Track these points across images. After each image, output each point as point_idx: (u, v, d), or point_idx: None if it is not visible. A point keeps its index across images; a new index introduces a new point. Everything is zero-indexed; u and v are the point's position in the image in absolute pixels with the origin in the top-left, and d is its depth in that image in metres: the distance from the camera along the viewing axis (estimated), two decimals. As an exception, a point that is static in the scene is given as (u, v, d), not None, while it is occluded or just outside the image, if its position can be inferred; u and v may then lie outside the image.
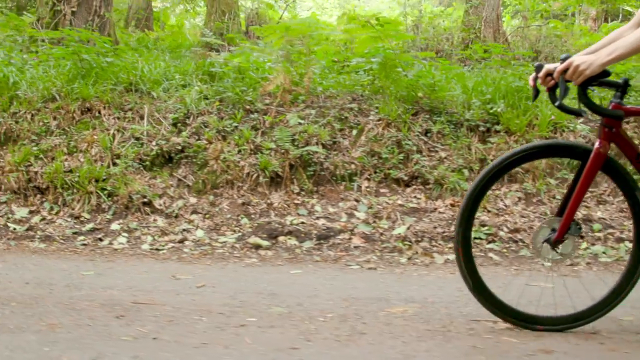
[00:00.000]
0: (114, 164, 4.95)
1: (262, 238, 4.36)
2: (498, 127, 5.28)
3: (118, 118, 5.33)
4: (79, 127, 5.25)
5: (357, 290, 3.31)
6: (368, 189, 4.91)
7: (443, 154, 5.13)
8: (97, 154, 5.02)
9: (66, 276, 3.52)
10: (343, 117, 5.35)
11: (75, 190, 4.78)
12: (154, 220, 4.62)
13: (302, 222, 4.54)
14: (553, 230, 2.55)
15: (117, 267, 3.81)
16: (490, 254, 4.19)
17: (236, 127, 5.21)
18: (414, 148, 5.11)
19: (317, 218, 4.61)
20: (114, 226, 4.57)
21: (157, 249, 4.25)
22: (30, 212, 4.73)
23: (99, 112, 5.35)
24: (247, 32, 10.53)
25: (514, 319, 2.62)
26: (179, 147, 5.06)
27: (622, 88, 2.47)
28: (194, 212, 4.69)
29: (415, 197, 4.86)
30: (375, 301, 3.07)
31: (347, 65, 6.33)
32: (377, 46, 5.40)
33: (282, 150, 4.99)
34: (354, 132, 5.26)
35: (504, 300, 2.63)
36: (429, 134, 5.26)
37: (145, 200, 4.73)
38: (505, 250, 4.27)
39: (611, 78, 2.48)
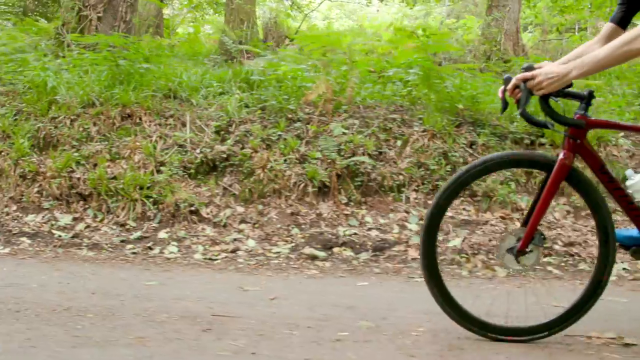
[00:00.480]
0: (158, 172, 4.86)
1: (317, 249, 4.28)
2: (543, 140, 5.25)
3: (159, 125, 5.25)
4: (119, 133, 5.16)
5: (433, 304, 3.23)
6: (416, 200, 4.85)
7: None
8: (140, 160, 4.93)
9: (130, 286, 3.43)
10: (387, 128, 5.29)
11: (119, 198, 4.68)
12: (202, 229, 4.53)
13: (355, 233, 4.46)
14: (518, 240, 2.55)
15: (176, 277, 3.71)
16: (550, 268, 4.13)
17: (280, 135, 5.14)
18: (461, 160, 5.06)
19: (369, 229, 4.53)
20: (162, 234, 4.48)
21: (210, 259, 4.16)
22: (74, 219, 4.63)
23: (140, 119, 5.26)
24: (265, 40, 10.48)
25: (482, 330, 2.61)
26: (224, 156, 4.97)
27: (587, 99, 2.47)
28: (243, 221, 4.61)
29: (464, 209, 4.80)
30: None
31: (382, 76, 6.29)
32: (421, 56, 5.35)
33: (329, 160, 4.92)
34: (399, 142, 5.21)
35: (473, 312, 2.62)
36: (474, 146, 5.21)
37: (192, 208, 4.64)
38: (563, 264, 4.22)
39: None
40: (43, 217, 4.63)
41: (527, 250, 2.54)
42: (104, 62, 5.98)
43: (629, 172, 2.60)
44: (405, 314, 3.00)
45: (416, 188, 4.92)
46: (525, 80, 2.36)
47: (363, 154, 5.01)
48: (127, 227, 4.54)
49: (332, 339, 2.61)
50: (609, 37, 2.63)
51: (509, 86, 2.45)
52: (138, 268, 3.92)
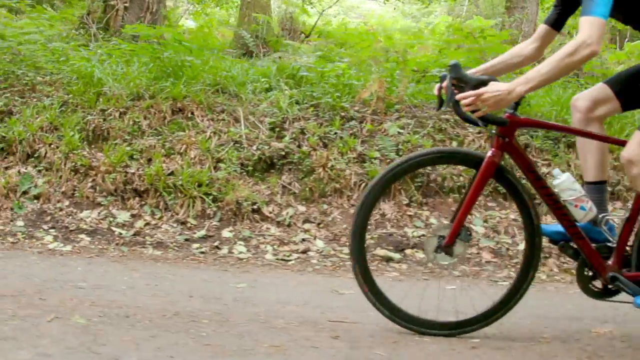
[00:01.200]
0: (215, 168, 4.73)
1: (390, 250, 4.20)
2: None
3: (212, 120, 5.10)
4: (171, 127, 5.01)
5: (539, 309, 3.19)
6: (477, 202, 4.80)
7: (545, 170, 5.06)
8: (196, 156, 4.78)
9: (221, 288, 3.31)
10: (442, 128, 5.23)
11: (178, 195, 4.54)
12: (267, 228, 4.42)
13: (423, 235, 4.40)
14: (442, 237, 2.57)
15: (260, 278, 3.61)
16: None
17: (336, 134, 5.05)
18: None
19: (436, 231, 4.47)
20: (226, 233, 4.36)
21: (283, 260, 4.06)
22: (132, 215, 4.47)
23: (192, 113, 5.11)
24: (278, 36, 10.30)
25: (410, 324, 2.63)
26: (282, 153, 4.86)
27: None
28: (307, 221, 4.51)
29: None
30: (573, 321, 2.97)
31: (425, 75, 6.23)
32: (472, 57, 5.30)
33: (388, 160, 4.85)
34: (454, 143, 5.15)
35: (401, 307, 2.63)
36: (528, 149, 5.18)
37: (254, 207, 4.53)
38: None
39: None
40: (99, 213, 4.46)
41: (454, 245, 2.55)
42: (143, 54, 5.80)
43: (555, 171, 2.63)
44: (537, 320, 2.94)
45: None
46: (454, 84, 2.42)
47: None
48: (189, 225, 4.41)
49: (470, 346, 2.54)
50: (543, 39, 2.67)
51: (444, 84, 2.47)
52: (214, 269, 3.80)
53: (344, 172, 4.77)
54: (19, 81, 5.29)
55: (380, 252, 4.17)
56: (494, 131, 2.54)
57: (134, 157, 4.76)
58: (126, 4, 7.46)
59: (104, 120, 4.99)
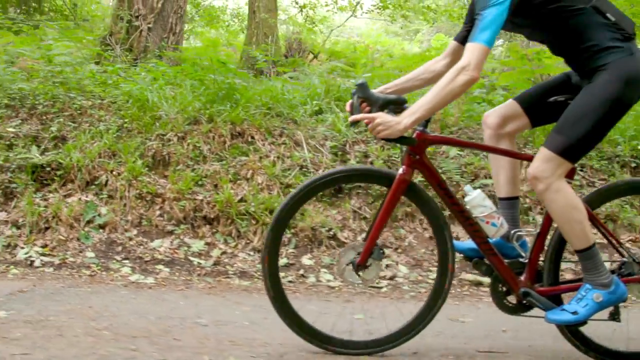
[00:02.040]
0: (285, 194, 4.63)
1: (476, 274, 4.17)
2: (647, 165, 5.35)
3: (272, 144, 5.01)
4: (232, 152, 4.89)
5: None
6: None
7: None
8: (263, 182, 4.68)
9: (344, 319, 3.20)
10: (499, 150, 5.25)
11: (252, 222, 4.42)
12: (347, 255, 4.33)
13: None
14: (358, 254, 2.59)
15: (371, 308, 3.47)
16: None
17: (399, 156, 5.00)
18: (576, 182, 5.09)
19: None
20: (306, 261, 4.26)
21: (375, 287, 3.98)
22: (206, 244, 4.32)
23: (252, 137, 5.00)
24: (287, 57, 10.28)
25: (325, 344, 2.63)
26: (349, 177, 4.78)
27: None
28: (384, 246, 4.44)
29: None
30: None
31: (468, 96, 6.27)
32: (522, 78, 5.37)
33: (454, 182, 4.84)
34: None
35: (317, 327, 2.65)
36: (584, 169, 5.26)
37: (330, 233, 4.44)
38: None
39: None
40: (172, 242, 4.30)
41: (367, 264, 2.56)
42: (187, 77, 5.69)
43: (467, 187, 2.66)
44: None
45: (541, 211, 4.90)
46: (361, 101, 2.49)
47: (485, 177, 4.95)
48: (266, 253, 4.28)
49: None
50: (454, 55, 2.69)
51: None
52: (315, 298, 3.69)
53: (412, 195, 4.72)
54: (69, 105, 5.09)
55: (468, 276, 4.14)
56: (405, 149, 2.56)
57: (199, 183, 4.62)
58: (149, 25, 7.32)
59: (163, 145, 4.84)
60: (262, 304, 3.45)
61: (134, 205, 4.49)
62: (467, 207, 2.60)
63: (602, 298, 2.48)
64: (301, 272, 4.14)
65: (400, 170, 2.56)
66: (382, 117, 2.39)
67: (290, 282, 4.00)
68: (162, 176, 4.69)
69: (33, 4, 13.74)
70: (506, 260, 2.63)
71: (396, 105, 2.48)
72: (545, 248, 2.68)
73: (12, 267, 4.01)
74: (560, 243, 2.65)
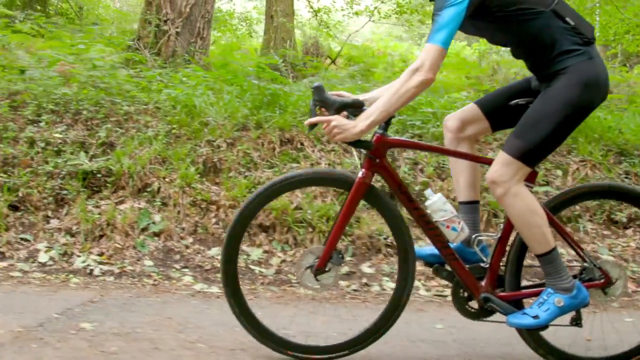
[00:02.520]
0: (338, 201, 4.60)
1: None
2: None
3: (322, 150, 4.98)
4: (282, 158, 4.85)
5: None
6: (594, 231, 4.84)
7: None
8: (316, 189, 4.64)
9: (428, 331, 3.19)
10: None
11: (308, 229, 4.39)
12: (406, 263, 4.30)
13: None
14: (317, 258, 2.58)
15: (447, 317, 3.45)
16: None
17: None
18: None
19: (569, 260, 4.47)
20: (366, 269, 4.23)
21: (439, 296, 3.96)
22: (265, 252, 4.28)
23: (301, 144, 4.97)
24: (305, 63, 10.23)
25: (282, 347, 2.65)
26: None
27: (387, 119, 2.50)
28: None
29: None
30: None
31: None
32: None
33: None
34: (559, 172, 5.20)
35: (272, 329, 2.67)
36: (629, 176, 5.28)
37: (388, 241, 4.42)
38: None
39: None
40: (230, 250, 4.24)
41: (326, 269, 2.56)
42: (221, 82, 5.65)
43: (428, 192, 2.65)
44: None
45: (590, 218, 4.91)
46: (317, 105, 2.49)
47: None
48: (325, 261, 4.24)
49: None
50: None
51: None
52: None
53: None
54: (115, 111, 5.03)
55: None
56: (364, 152, 2.55)
57: (252, 190, 4.57)
58: (177, 30, 7.26)
59: (213, 151, 4.79)
60: (339, 314, 3.44)
61: (188, 212, 4.44)
62: (428, 211, 2.59)
63: (563, 302, 2.49)
64: (364, 280, 4.10)
65: (360, 174, 2.54)
66: (337, 120, 2.38)
67: (355, 290, 3.97)
68: (214, 183, 4.64)
69: (38, 7, 13.62)
70: (467, 266, 2.62)
71: (354, 108, 2.47)
72: (508, 252, 2.69)
73: (71, 275, 3.94)
74: (521, 248, 2.65)
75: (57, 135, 4.82)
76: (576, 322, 2.62)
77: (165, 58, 7.08)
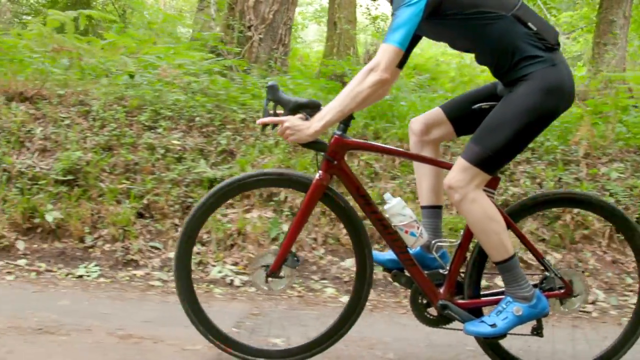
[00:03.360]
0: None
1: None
2: None
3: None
4: (402, 169, 4.83)
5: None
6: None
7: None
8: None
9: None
10: (656, 171, 5.23)
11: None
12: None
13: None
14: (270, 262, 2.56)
15: (590, 334, 3.39)
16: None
17: (559, 179, 4.97)
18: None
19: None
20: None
21: (582, 311, 3.92)
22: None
23: (419, 155, 4.93)
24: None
25: (237, 351, 2.63)
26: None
27: (345, 121, 2.47)
28: (569, 268, 4.39)
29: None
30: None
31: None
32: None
33: (623, 205, 4.79)
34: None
35: (227, 333, 2.67)
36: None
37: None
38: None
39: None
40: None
41: (279, 273, 2.53)
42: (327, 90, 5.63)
43: (386, 195, 2.61)
44: None
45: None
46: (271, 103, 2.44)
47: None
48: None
49: None
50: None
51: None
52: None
53: (587, 218, 4.68)
54: (232, 118, 5.02)
55: None
56: (322, 154, 2.51)
57: (378, 202, 4.54)
58: (260, 36, 7.26)
59: (334, 162, 4.75)
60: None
61: (317, 223, 4.42)
62: (386, 215, 2.55)
63: (522, 311, 2.45)
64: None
65: (317, 176, 2.50)
66: (291, 120, 2.36)
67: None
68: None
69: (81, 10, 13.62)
70: (426, 272, 2.58)
71: (310, 108, 2.41)
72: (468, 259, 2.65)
73: (212, 286, 3.93)
74: (481, 255, 2.60)
75: (175, 142, 4.81)
76: (537, 331, 2.58)
77: (249, 64, 7.07)
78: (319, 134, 2.38)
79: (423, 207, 2.73)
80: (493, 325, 2.44)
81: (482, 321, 2.48)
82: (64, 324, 3.10)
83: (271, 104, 2.43)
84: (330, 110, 2.33)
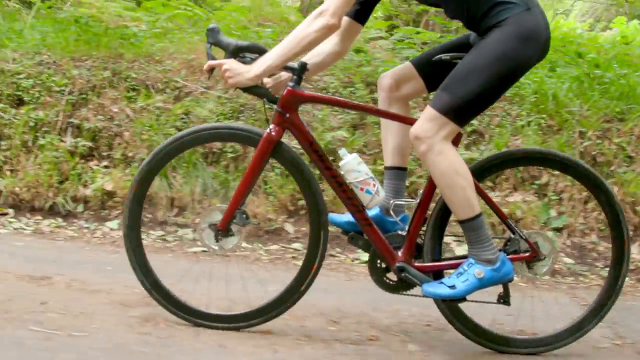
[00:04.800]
0: None
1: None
2: None
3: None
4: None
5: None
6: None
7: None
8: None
9: None
10: None
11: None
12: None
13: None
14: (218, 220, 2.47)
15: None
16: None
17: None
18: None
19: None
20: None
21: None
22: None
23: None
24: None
25: (188, 315, 2.56)
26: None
27: (298, 72, 2.38)
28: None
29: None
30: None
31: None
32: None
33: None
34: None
35: (179, 297, 2.59)
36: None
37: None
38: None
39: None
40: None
41: (229, 230, 2.46)
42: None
43: (342, 151, 2.48)
44: None
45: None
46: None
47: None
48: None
49: None
50: (345, 32, 2.51)
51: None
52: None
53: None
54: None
55: None
56: (275, 106, 2.41)
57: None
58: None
59: (594, 144, 4.62)
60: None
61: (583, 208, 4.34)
62: (341, 172, 2.45)
63: (483, 274, 2.32)
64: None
65: (269, 129, 2.41)
66: (229, 63, 2.30)
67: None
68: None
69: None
70: (385, 234, 2.47)
71: (252, 52, 2.33)
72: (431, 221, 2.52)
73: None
74: (443, 214, 2.48)
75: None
76: (504, 299, 2.46)
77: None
78: (260, 79, 2.34)
79: (386, 168, 2.62)
80: (452, 287, 2.33)
81: (442, 282, 2.37)
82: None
83: (214, 48, 2.39)
84: (272, 54, 2.27)
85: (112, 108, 4.83)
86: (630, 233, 3.25)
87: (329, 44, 2.52)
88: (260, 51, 2.33)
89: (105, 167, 4.65)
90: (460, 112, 2.26)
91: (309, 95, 2.57)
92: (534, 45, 2.25)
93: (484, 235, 2.34)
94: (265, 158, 2.45)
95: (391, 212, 2.53)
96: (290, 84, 2.40)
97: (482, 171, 2.53)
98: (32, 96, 4.87)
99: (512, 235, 2.48)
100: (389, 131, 2.59)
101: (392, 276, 2.53)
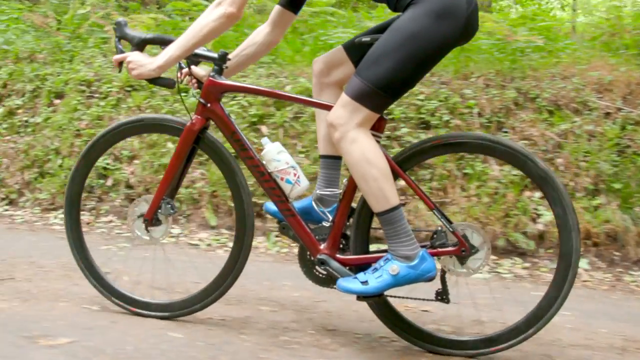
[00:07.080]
0: None
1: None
2: None
3: None
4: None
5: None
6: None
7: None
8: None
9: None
10: None
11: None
12: None
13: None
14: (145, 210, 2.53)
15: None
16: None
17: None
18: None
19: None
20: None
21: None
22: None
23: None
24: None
25: (125, 302, 2.64)
26: None
27: (219, 62, 2.40)
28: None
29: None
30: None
31: None
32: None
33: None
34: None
35: (118, 286, 2.66)
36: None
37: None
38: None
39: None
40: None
41: (155, 219, 2.51)
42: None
43: (264, 140, 2.45)
44: None
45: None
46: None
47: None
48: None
49: None
50: (278, 21, 2.50)
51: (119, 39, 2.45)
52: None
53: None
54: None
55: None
56: (198, 97, 2.44)
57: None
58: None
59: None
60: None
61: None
62: (263, 161, 2.42)
63: (398, 271, 2.19)
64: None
65: (191, 119, 2.43)
66: (133, 55, 2.32)
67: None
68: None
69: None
70: (313, 225, 2.41)
71: (157, 44, 2.40)
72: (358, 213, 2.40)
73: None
74: (368, 206, 2.29)
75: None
76: (442, 297, 2.30)
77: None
78: (164, 70, 2.30)
79: (321, 157, 2.54)
80: (365, 283, 2.21)
81: (355, 278, 2.25)
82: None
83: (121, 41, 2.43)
84: (174, 45, 2.26)
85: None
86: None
87: (261, 34, 2.49)
88: (165, 42, 2.34)
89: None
90: (373, 98, 2.13)
91: (230, 85, 2.44)
92: (451, 24, 2.09)
93: (401, 229, 2.19)
94: (187, 147, 2.45)
95: (317, 203, 2.47)
96: (212, 73, 2.39)
97: (408, 159, 2.35)
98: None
99: (439, 228, 2.30)
100: (321, 119, 2.49)
101: (322, 269, 2.39)
